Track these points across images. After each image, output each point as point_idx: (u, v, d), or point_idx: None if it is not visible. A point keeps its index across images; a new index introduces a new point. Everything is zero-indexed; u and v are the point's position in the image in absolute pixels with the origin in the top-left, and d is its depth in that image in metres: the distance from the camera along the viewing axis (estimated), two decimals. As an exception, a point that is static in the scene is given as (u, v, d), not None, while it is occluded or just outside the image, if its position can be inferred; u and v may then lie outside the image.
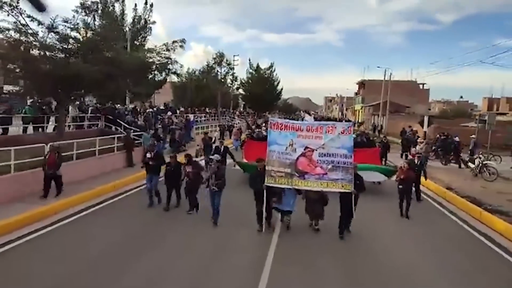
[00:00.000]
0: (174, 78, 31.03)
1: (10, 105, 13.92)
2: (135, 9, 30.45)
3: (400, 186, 10.33)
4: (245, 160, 13.83)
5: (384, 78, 45.04)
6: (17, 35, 10.98)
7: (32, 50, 11.44)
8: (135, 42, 26.86)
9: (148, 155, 10.45)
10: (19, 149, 10.12)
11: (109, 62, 11.83)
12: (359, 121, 65.79)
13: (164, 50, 14.01)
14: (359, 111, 74.12)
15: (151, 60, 14.19)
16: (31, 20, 10.81)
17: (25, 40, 11.06)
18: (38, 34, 11.15)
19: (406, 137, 24.50)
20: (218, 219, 8.94)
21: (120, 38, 13.70)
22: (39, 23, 10.95)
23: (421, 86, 69.13)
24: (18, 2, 10.35)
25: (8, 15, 10.54)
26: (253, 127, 25.99)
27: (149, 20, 29.82)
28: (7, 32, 10.81)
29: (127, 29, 25.88)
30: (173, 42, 14.20)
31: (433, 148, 21.92)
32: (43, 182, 9.88)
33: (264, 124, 24.20)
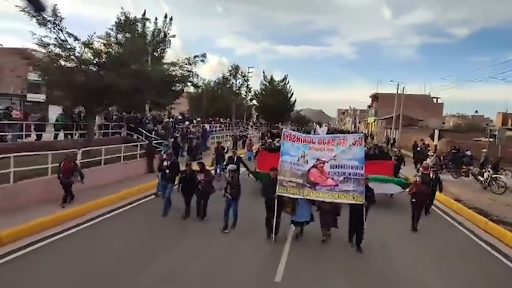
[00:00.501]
0: (191, 89, 32.21)
1: (44, 113, 14.96)
2: (155, 23, 31.88)
3: (414, 200, 10.34)
4: (258, 170, 13.93)
5: (397, 92, 45.41)
6: (57, 50, 12.04)
7: (69, 63, 12.48)
8: (155, 54, 28.07)
9: (165, 163, 10.72)
10: (54, 154, 11.02)
11: (137, 75, 12.82)
12: (371, 133, 66.09)
13: (186, 64, 14.96)
14: (372, 124, 74.30)
15: (174, 73, 15.17)
16: (69, 36, 11.89)
17: (65, 55, 12.12)
18: (75, 49, 12.24)
19: (418, 151, 25.04)
20: (236, 224, 9.26)
21: (145, 52, 14.62)
22: (76, 38, 12.02)
23: (434, 100, 69.05)
24: (61, 21, 11.45)
25: (50, 31, 11.64)
26: (266, 138, 26.52)
27: (168, 33, 31.08)
28: (48, 47, 11.90)
29: (147, 41, 27.14)
30: (195, 56, 15.17)
31: (444, 161, 22.37)
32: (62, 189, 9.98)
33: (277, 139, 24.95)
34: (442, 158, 22.60)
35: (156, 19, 32.01)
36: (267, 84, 54.59)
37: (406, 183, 13.04)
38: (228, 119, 42.15)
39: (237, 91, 41.41)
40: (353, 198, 8.47)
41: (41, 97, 49.53)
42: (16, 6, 10.11)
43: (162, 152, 12.05)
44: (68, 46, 12.04)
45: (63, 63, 12.33)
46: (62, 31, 11.64)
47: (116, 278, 6.41)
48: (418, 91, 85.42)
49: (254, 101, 54.98)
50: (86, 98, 12.65)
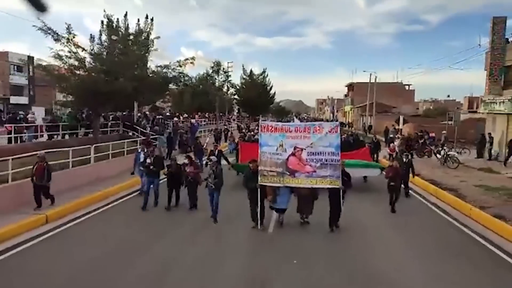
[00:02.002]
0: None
1: (54, 116, 16.60)
2: (138, 24, 33.23)
3: (392, 184, 10.85)
4: (240, 162, 14.43)
5: (370, 81, 48.10)
6: (70, 61, 13.77)
7: (81, 71, 14.22)
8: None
9: (148, 160, 10.85)
10: (66, 150, 12.74)
11: (138, 79, 14.66)
12: (349, 121, 68.99)
13: (177, 66, 16.80)
14: (348, 112, 77.30)
15: (168, 75, 16.96)
16: (77, 47, 13.65)
17: (77, 65, 13.86)
18: (85, 59, 14.00)
19: (391, 136, 27.59)
20: (217, 216, 9.59)
21: (144, 57, 16.38)
22: (83, 49, 13.79)
23: (406, 87, 72.45)
24: (73, 37, 13.20)
25: (64, 46, 13.36)
26: (244, 130, 27.85)
27: (150, 33, 32.51)
28: (64, 59, 13.61)
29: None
30: (186, 59, 17.02)
31: (411, 143, 24.96)
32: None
33: (256, 128, 25.62)
34: (410, 140, 25.19)
35: (138, 20, 33.56)
36: (247, 78, 56.41)
37: (382, 167, 14.20)
38: (212, 114, 43.94)
39: (220, 87, 43.21)
40: (331, 182, 8.95)
41: (24, 100, 50.42)
42: (34, 26, 11.86)
43: (139, 150, 12.51)
44: (79, 57, 13.83)
45: (77, 72, 14.09)
46: (74, 44, 13.40)
47: (116, 268, 6.76)
48: (393, 77, 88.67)
49: (234, 94, 56.73)
50: (94, 101, 14.45)
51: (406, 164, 12.61)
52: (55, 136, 16.14)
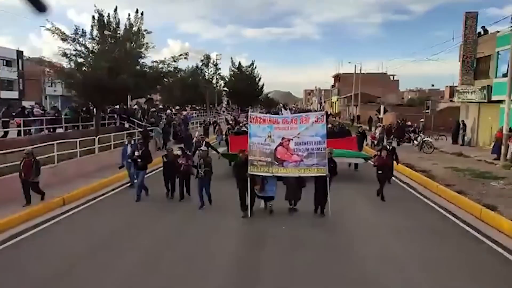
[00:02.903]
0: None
1: (56, 110, 17.60)
2: (128, 19, 33.92)
3: (380, 172, 11.09)
4: (230, 152, 14.72)
5: (355, 72, 49.62)
6: (80, 60, 14.81)
7: (87, 68, 15.29)
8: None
9: (136, 153, 10.94)
10: (73, 141, 13.81)
11: (138, 74, 15.77)
12: (336, 112, 70.62)
13: (172, 61, 17.86)
14: (335, 103, 78.93)
15: (163, 69, 18.03)
16: (80, 45, 14.70)
17: (83, 62, 14.93)
18: (89, 56, 15.03)
19: (375, 125, 29.14)
20: (206, 204, 9.97)
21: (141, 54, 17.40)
22: (85, 47, 14.82)
23: (391, 77, 74.27)
24: (80, 37, 14.20)
25: (70, 45, 14.40)
26: (231, 123, 28.01)
27: (140, 27, 33.25)
28: (72, 57, 14.66)
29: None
30: (180, 55, 18.09)
31: (392, 131, 26.51)
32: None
33: (245, 120, 25.97)
34: (391, 128, 26.74)
35: (129, 15, 34.23)
36: (236, 70, 57.37)
37: (368, 156, 15.05)
38: (202, 106, 44.93)
39: (210, 79, 44.20)
40: (317, 170, 9.27)
41: (14, 94, 50.58)
42: (41, 26, 12.81)
43: (126, 142, 12.64)
44: (83, 55, 14.88)
45: (83, 68, 15.15)
46: (79, 43, 14.45)
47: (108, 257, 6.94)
48: (379, 68, 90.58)
49: (223, 86, 57.69)
50: (97, 96, 15.53)
51: (390, 152, 12.76)
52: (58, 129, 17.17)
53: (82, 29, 15.96)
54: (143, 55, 17.19)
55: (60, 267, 6.46)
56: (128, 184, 12.26)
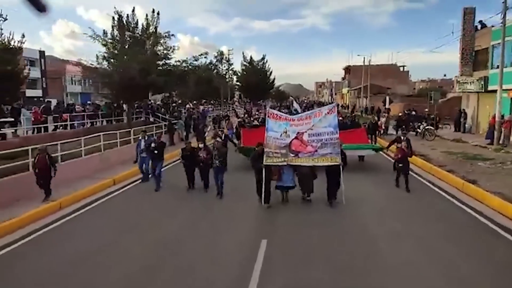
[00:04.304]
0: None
1: (95, 107, 19.87)
2: (146, 19, 36.03)
3: (400, 165, 11.20)
4: (242, 145, 15.32)
5: (364, 64, 50.91)
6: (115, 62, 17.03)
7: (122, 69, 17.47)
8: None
9: (153, 145, 11.61)
10: (113, 133, 15.92)
11: (164, 73, 17.87)
12: (349, 104, 71.72)
13: (193, 60, 19.96)
14: (346, 95, 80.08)
15: (185, 68, 20.10)
16: (114, 49, 16.87)
17: (118, 64, 17.11)
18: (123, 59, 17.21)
19: (382, 115, 30.71)
20: (223, 192, 10.50)
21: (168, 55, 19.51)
22: (117, 50, 16.99)
23: (401, 68, 75.04)
24: (118, 42, 16.35)
25: (108, 49, 16.56)
26: (242, 116, 29.73)
27: (157, 27, 35.39)
28: (109, 60, 16.83)
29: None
30: (200, 54, 20.18)
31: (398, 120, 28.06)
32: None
33: (256, 114, 27.24)
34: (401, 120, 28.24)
35: (146, 15, 36.37)
36: (247, 65, 59.07)
37: (378, 147, 15.61)
38: (216, 100, 46.94)
39: (224, 75, 46.19)
40: (331, 160, 9.58)
41: (38, 93, 53.41)
42: (84, 33, 14.96)
43: (140, 138, 12.88)
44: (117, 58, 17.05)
45: (120, 69, 17.33)
46: (115, 48, 16.58)
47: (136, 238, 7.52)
48: (387, 60, 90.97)
49: (235, 81, 59.51)
50: (130, 93, 17.68)
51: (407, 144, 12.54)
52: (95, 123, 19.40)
53: (115, 34, 18.05)
54: (169, 56, 19.28)
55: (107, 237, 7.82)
56: (139, 181, 12.54)
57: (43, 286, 5.89)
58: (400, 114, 27.64)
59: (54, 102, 43.48)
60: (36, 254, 7.05)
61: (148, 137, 12.89)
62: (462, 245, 7.22)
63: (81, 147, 13.16)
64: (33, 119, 16.25)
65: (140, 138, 12.93)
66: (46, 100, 25.25)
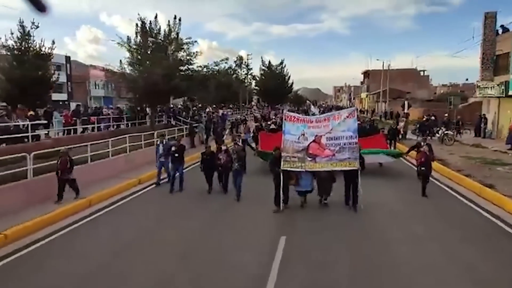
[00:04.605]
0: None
1: (120, 110, 20.75)
2: (168, 25, 37.05)
3: (423, 168, 11.04)
4: (260, 149, 15.45)
5: (383, 68, 50.78)
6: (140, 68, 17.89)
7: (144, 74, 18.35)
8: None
9: (173, 148, 11.90)
10: (138, 135, 16.60)
11: (186, 78, 18.59)
12: (369, 108, 71.26)
13: (214, 66, 20.64)
14: (364, 99, 79.66)
15: (206, 73, 20.81)
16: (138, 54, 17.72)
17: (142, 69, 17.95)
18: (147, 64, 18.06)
19: (401, 119, 30.70)
20: (241, 196, 10.61)
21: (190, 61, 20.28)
22: (144, 55, 17.78)
23: (421, 72, 74.23)
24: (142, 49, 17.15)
25: (133, 55, 17.38)
26: (260, 120, 29.13)
27: (178, 33, 36.32)
28: (135, 65, 17.69)
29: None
30: (221, 60, 20.85)
31: (418, 125, 28.02)
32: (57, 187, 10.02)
33: (274, 118, 27.33)
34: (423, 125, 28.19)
35: (168, 21, 37.39)
36: (266, 69, 59.60)
37: (397, 152, 15.61)
38: (235, 104, 47.60)
39: (243, 80, 46.89)
40: (349, 164, 9.53)
41: (64, 96, 55.34)
42: (112, 40, 15.79)
43: (158, 142, 13.08)
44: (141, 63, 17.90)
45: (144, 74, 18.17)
46: (139, 54, 17.41)
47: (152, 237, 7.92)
48: (408, 64, 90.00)
49: (254, 85, 60.13)
50: (154, 97, 18.46)
51: (429, 148, 12.62)
52: (121, 126, 20.25)
53: (138, 40, 18.85)
54: (191, 62, 19.99)
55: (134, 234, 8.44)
56: (154, 185, 12.55)
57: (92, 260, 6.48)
58: (424, 119, 27.60)
59: (74, 105, 45.28)
60: (77, 243, 7.79)
61: (167, 142, 13.09)
62: (479, 247, 7.38)
63: (108, 149, 13.79)
64: (64, 121, 17.21)
65: (158, 142, 13.10)
66: (76, 104, 26.36)
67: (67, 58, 57.59)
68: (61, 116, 17.82)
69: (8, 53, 19.83)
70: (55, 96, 53.98)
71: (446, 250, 7.32)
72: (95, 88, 63.52)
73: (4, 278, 6.31)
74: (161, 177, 12.68)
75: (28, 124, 14.61)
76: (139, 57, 18.24)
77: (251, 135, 20.24)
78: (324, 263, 6.71)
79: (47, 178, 10.52)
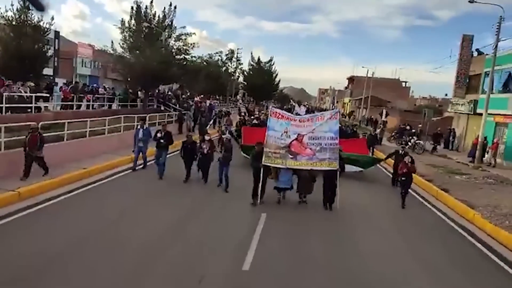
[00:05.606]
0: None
1: (113, 91, 21.48)
2: (163, 12, 37.48)
3: (403, 179, 11.18)
4: (242, 143, 15.15)
5: (367, 76, 52.68)
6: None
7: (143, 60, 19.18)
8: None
9: (159, 134, 11.79)
10: (131, 116, 17.41)
11: (183, 67, 19.56)
12: (349, 112, 73.41)
13: (208, 58, 21.68)
14: (347, 104, 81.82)
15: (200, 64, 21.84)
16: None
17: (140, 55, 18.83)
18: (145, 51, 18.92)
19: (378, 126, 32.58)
20: (229, 187, 10.79)
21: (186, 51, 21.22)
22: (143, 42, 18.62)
23: (403, 84, 76.89)
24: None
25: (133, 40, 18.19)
26: (243, 115, 29.19)
27: (173, 20, 36.88)
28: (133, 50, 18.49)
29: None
30: (216, 53, 21.98)
31: (393, 134, 29.87)
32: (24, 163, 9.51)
33: (258, 113, 27.58)
34: (393, 131, 30.12)
35: (164, 8, 37.88)
36: (255, 65, 60.55)
37: (378, 159, 16.28)
38: (222, 96, 48.52)
39: (232, 73, 47.86)
40: (329, 164, 9.80)
41: (49, 71, 54.66)
42: (114, 24, 16.43)
43: (138, 126, 12.75)
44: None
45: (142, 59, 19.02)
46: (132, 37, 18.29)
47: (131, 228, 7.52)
48: (393, 73, 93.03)
49: (241, 79, 60.98)
50: (149, 82, 19.32)
51: (402, 156, 12.66)
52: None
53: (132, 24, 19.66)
54: (188, 52, 20.95)
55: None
56: (131, 170, 12.38)
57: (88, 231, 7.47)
58: (401, 126, 29.44)
59: (60, 82, 45.14)
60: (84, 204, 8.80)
61: (147, 127, 12.80)
62: (434, 242, 8.61)
63: (104, 126, 14.66)
64: (62, 96, 17.86)
65: (138, 127, 12.69)
66: (64, 81, 26.83)
67: (57, 33, 56.77)
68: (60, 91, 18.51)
69: (6, 24, 20.27)
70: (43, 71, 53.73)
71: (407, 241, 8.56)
72: (82, 66, 62.90)
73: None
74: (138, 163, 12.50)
75: (32, 96, 15.24)
76: (131, 39, 18.94)
77: (234, 128, 20.18)
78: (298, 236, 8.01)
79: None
